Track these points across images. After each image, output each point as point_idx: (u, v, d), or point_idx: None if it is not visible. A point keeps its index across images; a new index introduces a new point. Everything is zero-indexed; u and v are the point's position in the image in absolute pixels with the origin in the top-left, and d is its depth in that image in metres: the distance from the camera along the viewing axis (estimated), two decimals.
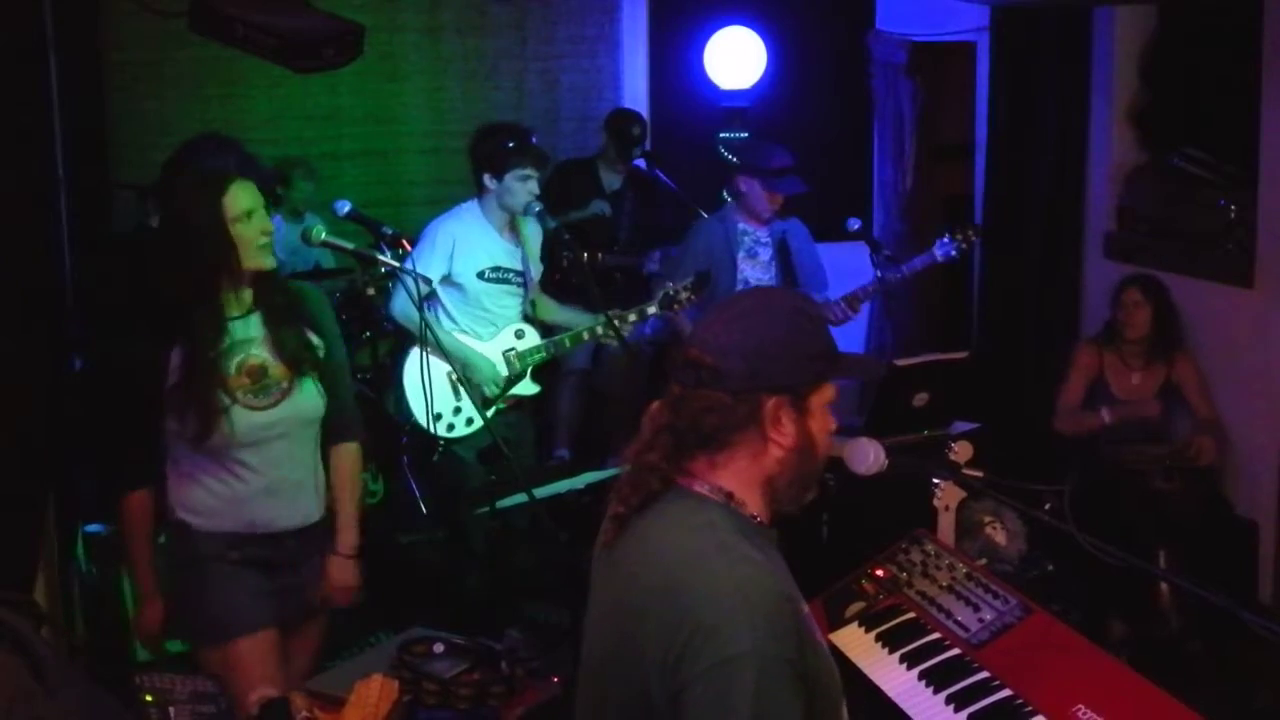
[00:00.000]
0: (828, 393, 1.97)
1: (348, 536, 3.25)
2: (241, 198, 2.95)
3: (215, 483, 3.02)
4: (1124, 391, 5.25)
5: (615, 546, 1.99)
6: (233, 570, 3.03)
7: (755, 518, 1.96)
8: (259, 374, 3.01)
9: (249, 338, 3.02)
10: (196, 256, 2.93)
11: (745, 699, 1.72)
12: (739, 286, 5.21)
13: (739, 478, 1.95)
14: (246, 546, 3.04)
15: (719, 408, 1.91)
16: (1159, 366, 5.23)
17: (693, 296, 4.63)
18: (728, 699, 1.73)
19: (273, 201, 6.04)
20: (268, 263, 3.01)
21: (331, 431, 3.21)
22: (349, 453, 3.28)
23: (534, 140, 4.55)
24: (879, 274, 5.13)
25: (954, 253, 5.14)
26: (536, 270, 4.75)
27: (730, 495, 1.94)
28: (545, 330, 4.76)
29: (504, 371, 4.62)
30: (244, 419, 2.98)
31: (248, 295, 3.04)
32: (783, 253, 5.26)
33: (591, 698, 2.00)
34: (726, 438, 1.92)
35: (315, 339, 3.12)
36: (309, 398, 3.08)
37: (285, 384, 3.04)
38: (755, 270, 5.26)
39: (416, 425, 4.55)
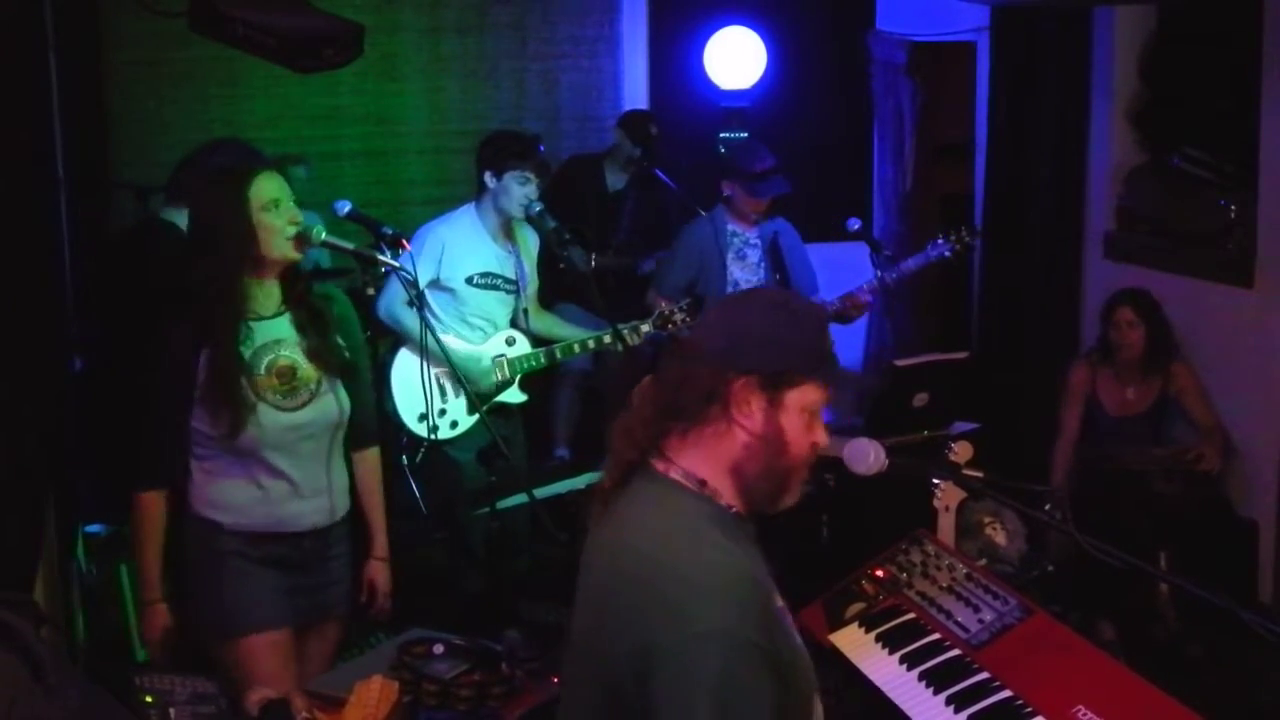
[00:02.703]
0: (810, 395, 1.96)
1: (382, 540, 3.35)
2: (268, 186, 2.96)
3: (243, 482, 3.02)
4: (1116, 407, 5.25)
5: (600, 526, 2.01)
6: (251, 567, 3.04)
7: (731, 508, 1.97)
8: (289, 375, 3.02)
9: (280, 338, 3.03)
10: (219, 246, 2.93)
11: (712, 677, 1.72)
12: (729, 288, 5.20)
13: (708, 460, 1.95)
14: (266, 545, 3.05)
15: (692, 381, 1.94)
16: (1154, 380, 5.21)
17: (688, 319, 4.60)
18: (694, 676, 1.73)
19: None
20: (294, 253, 3.00)
21: (354, 437, 3.24)
22: (372, 458, 3.34)
23: (541, 149, 4.59)
24: (878, 273, 5.12)
25: (947, 253, 4.97)
26: (533, 279, 4.75)
27: (703, 483, 1.95)
28: (536, 340, 4.76)
29: (489, 379, 4.62)
30: (273, 419, 2.99)
31: (277, 294, 3.04)
32: (773, 254, 5.24)
33: (573, 677, 2.02)
34: (697, 412, 1.94)
35: (342, 343, 3.13)
36: (336, 401, 3.10)
37: (314, 386, 3.05)
38: (744, 272, 5.25)
39: (402, 426, 4.57)
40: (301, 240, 3.01)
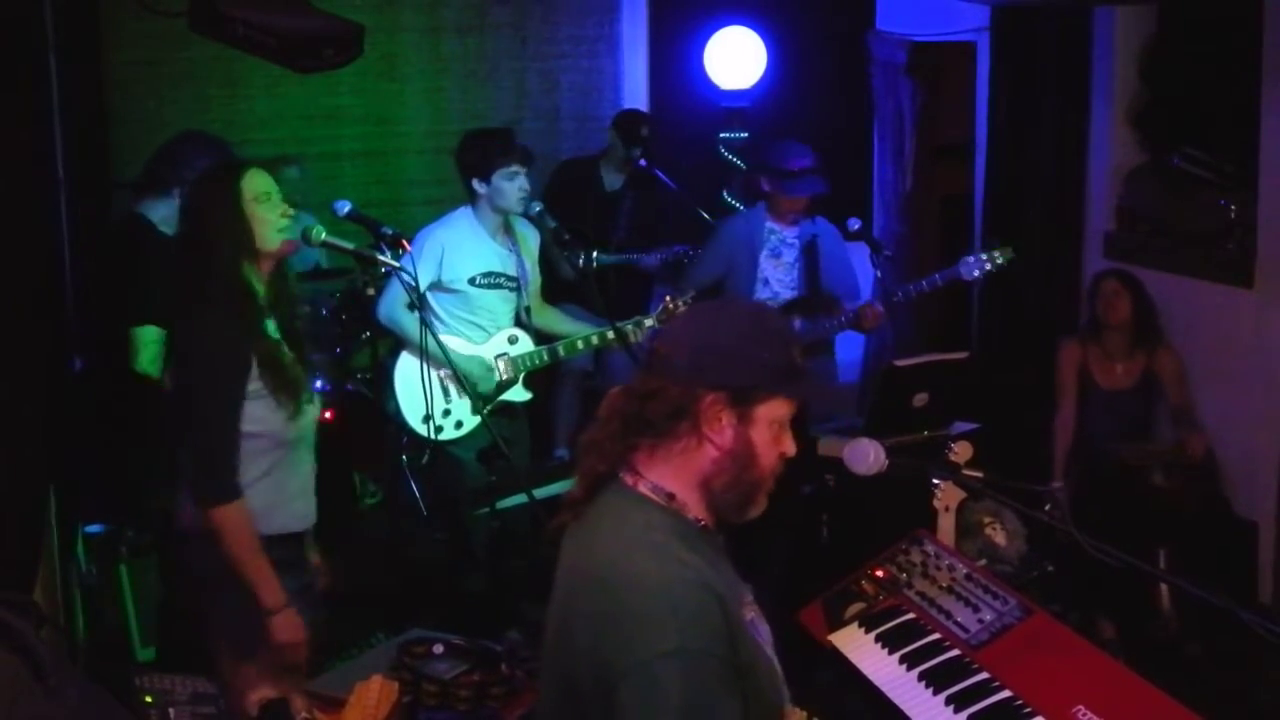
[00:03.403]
0: (778, 409, 1.96)
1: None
2: (258, 180, 2.99)
3: (267, 484, 3.00)
4: (1108, 381, 5.34)
5: (570, 537, 2.03)
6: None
7: (699, 521, 1.97)
8: (295, 370, 3.06)
9: (276, 336, 3.06)
10: (219, 241, 2.95)
11: (674, 696, 1.74)
12: (759, 286, 5.17)
13: (677, 474, 1.96)
14: (275, 549, 3.03)
15: (659, 395, 1.94)
16: (1140, 356, 5.32)
17: None
18: (655, 696, 1.75)
19: None
20: (286, 247, 3.02)
21: None
22: None
23: (516, 139, 4.56)
24: (878, 274, 5.12)
25: (977, 273, 4.89)
26: (534, 275, 4.75)
27: (672, 496, 1.96)
28: (540, 336, 4.76)
29: (495, 377, 4.62)
30: (304, 411, 3.04)
31: (266, 294, 3.06)
32: (809, 255, 5.21)
33: (545, 681, 2.05)
34: (666, 426, 1.94)
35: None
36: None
37: (306, 385, 3.10)
38: (777, 270, 5.22)
39: (406, 427, 4.57)
40: (293, 238, 3.03)
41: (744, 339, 1.95)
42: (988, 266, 4.87)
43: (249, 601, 2.94)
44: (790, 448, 2.00)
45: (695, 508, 1.97)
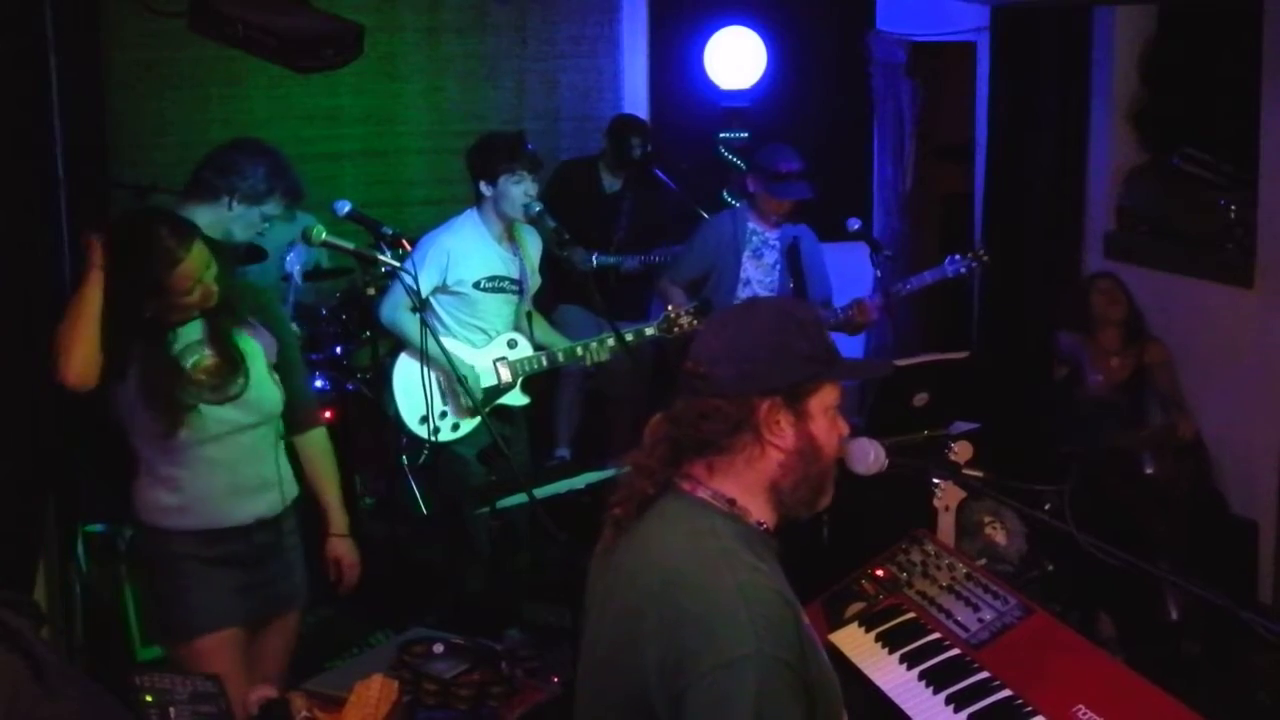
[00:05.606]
0: (828, 395, 1.97)
1: (338, 517, 3.40)
2: (204, 255, 3.04)
3: (184, 481, 3.07)
4: (1103, 374, 5.44)
5: (615, 550, 2.00)
6: (204, 568, 3.08)
7: (760, 525, 1.96)
8: (214, 372, 3.08)
9: (197, 339, 3.09)
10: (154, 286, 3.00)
11: (747, 702, 1.72)
12: (740, 286, 5.21)
13: (739, 483, 1.95)
14: (219, 544, 3.09)
15: (714, 414, 1.92)
16: (1133, 350, 5.44)
17: (694, 321, 4.59)
18: (729, 702, 1.73)
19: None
20: (212, 301, 3.08)
21: (294, 423, 3.31)
22: (315, 439, 3.41)
23: (529, 147, 4.58)
24: (878, 273, 5.13)
25: (964, 270, 5.17)
26: (534, 282, 4.75)
27: (732, 502, 1.94)
28: (534, 344, 4.76)
29: (489, 381, 4.61)
30: (209, 415, 3.05)
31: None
32: (791, 258, 5.25)
33: (590, 698, 2.00)
34: (724, 443, 1.93)
35: (247, 336, 3.17)
36: (268, 392, 3.16)
37: (242, 380, 3.10)
38: (759, 271, 5.25)
39: (404, 428, 4.58)
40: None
41: (780, 337, 1.94)
42: (973, 264, 5.14)
43: (173, 587, 3.08)
44: (845, 428, 2.01)
45: (757, 511, 1.96)
